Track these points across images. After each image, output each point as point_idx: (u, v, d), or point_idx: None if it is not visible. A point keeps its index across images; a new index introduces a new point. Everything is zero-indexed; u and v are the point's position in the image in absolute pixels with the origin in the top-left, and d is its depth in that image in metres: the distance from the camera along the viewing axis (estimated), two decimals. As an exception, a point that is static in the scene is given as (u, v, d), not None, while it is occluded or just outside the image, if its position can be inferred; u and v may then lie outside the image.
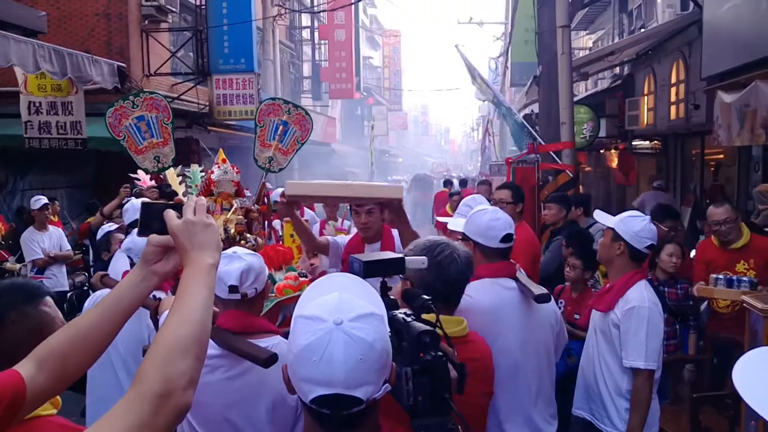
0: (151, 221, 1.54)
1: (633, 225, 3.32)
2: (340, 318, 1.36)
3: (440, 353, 1.49)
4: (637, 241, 3.29)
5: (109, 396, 3.40)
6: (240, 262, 2.48)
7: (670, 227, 5.63)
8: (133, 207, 5.02)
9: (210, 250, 1.45)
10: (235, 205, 4.60)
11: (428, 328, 1.49)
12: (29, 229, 7.84)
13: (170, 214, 1.49)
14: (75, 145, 9.67)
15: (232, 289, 2.46)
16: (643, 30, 13.32)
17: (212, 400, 2.35)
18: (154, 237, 1.53)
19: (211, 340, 2.40)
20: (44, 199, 7.89)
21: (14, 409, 1.41)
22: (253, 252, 2.64)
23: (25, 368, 1.45)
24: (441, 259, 2.23)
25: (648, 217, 3.42)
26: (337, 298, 1.41)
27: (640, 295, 3.24)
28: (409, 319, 1.55)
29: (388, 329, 1.49)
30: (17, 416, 1.43)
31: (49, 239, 7.77)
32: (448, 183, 18.61)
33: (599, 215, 3.69)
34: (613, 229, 3.38)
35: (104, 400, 3.44)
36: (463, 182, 18.82)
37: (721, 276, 4.68)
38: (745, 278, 4.59)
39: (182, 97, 13.08)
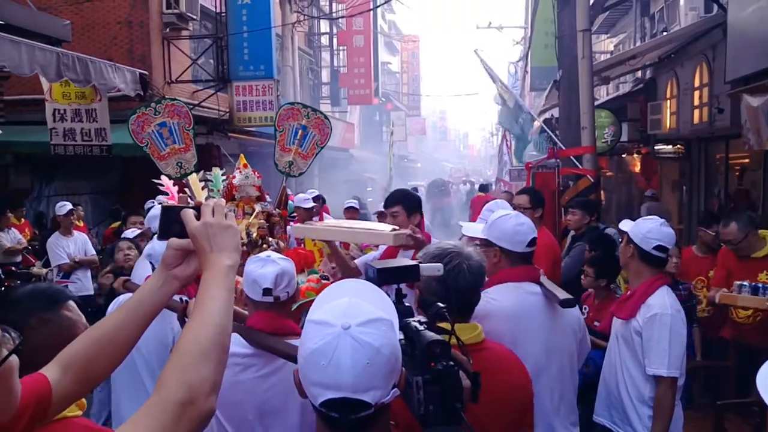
0: (170, 225, 1.54)
1: (642, 227, 3.33)
2: (348, 323, 1.37)
3: (451, 363, 1.49)
4: (644, 242, 3.28)
5: (133, 397, 3.43)
6: (275, 266, 2.54)
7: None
8: (157, 213, 5.06)
9: (228, 252, 1.44)
10: (256, 210, 4.63)
11: (439, 338, 1.49)
12: (55, 234, 7.95)
13: (189, 215, 1.48)
14: (100, 151, 9.80)
15: (266, 291, 2.51)
16: (665, 33, 13.22)
17: (244, 398, 2.40)
18: (174, 240, 1.52)
19: (242, 340, 2.44)
20: (69, 205, 7.99)
21: (40, 412, 1.42)
22: (286, 257, 2.68)
23: (50, 372, 1.47)
24: (449, 270, 2.17)
25: (661, 220, 3.40)
26: (347, 303, 1.43)
27: (663, 301, 3.21)
28: (421, 327, 1.55)
29: (399, 335, 1.50)
30: (44, 419, 1.44)
31: (75, 244, 7.88)
32: (484, 188, 18.47)
33: (624, 224, 3.73)
34: (626, 232, 3.42)
35: (128, 401, 3.48)
36: (483, 187, 18.75)
37: (746, 283, 4.65)
38: None
39: (203, 103, 13.20)
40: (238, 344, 2.45)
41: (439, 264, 1.89)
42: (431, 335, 1.51)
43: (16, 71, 6.39)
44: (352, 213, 8.82)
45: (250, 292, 2.58)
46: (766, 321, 4.85)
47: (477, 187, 19.12)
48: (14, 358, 1.11)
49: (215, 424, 2.46)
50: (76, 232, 8.07)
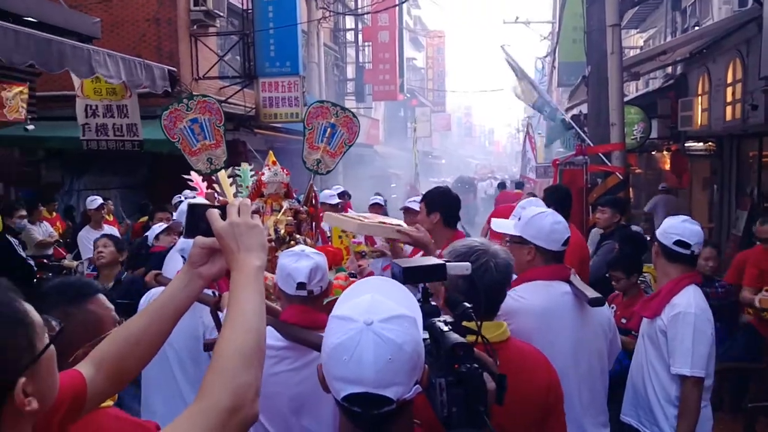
0: (197, 223, 1.53)
1: (665, 223, 3.32)
2: (370, 318, 1.38)
3: (476, 365, 1.48)
4: (665, 237, 3.25)
5: (163, 389, 3.47)
6: (309, 260, 2.57)
7: None
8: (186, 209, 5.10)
9: (256, 252, 1.44)
10: (284, 206, 4.64)
11: (462, 340, 1.48)
12: (86, 227, 8.07)
13: (214, 215, 1.47)
14: (132, 146, 9.93)
15: (300, 285, 2.55)
16: (697, 28, 13.02)
17: (278, 390, 2.43)
18: (200, 239, 1.53)
19: (276, 333, 2.46)
20: (100, 200, 8.10)
21: (76, 407, 1.45)
22: (319, 252, 2.71)
23: (84, 369, 1.49)
24: (476, 267, 2.11)
25: (685, 217, 3.37)
26: (369, 300, 1.43)
27: (687, 300, 3.18)
28: (446, 328, 1.55)
29: (424, 334, 1.51)
30: (79, 415, 1.47)
31: (105, 238, 7.96)
32: (520, 185, 18.36)
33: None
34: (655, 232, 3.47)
35: (158, 393, 3.52)
36: (502, 185, 18.67)
37: None
38: None
39: (229, 100, 13.29)
40: (272, 337, 2.48)
41: (467, 263, 1.86)
42: (455, 337, 1.50)
43: (47, 68, 6.48)
44: (376, 209, 8.83)
45: (284, 286, 2.61)
46: None
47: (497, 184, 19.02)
48: (52, 348, 1.13)
49: None
50: (106, 226, 8.17)
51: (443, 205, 4.02)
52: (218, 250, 1.50)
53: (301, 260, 2.57)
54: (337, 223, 4.01)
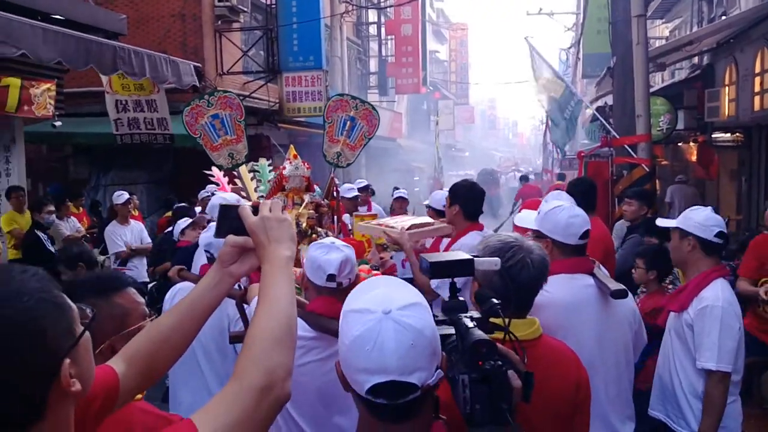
0: (228, 222, 1.58)
1: (696, 216, 3.24)
2: (388, 308, 1.40)
3: (500, 362, 1.48)
4: (704, 231, 3.19)
5: (190, 384, 3.51)
6: (339, 252, 2.61)
7: None
8: (217, 203, 5.17)
9: (286, 243, 1.51)
10: (306, 200, 4.66)
11: (485, 337, 1.48)
12: (112, 222, 8.15)
13: (247, 211, 1.54)
14: (164, 140, 10.09)
15: (330, 277, 2.59)
16: (724, 17, 12.81)
17: (306, 380, 2.46)
18: (231, 238, 1.57)
19: (304, 323, 2.49)
20: (126, 195, 8.18)
21: (109, 402, 1.48)
22: (348, 244, 2.73)
23: (117, 365, 1.53)
24: (512, 264, 2.12)
25: (710, 208, 3.33)
26: (383, 292, 1.46)
27: (715, 294, 3.14)
28: (471, 325, 1.55)
29: (450, 329, 1.54)
30: (111, 409, 1.50)
31: (131, 232, 8.06)
32: (525, 178, 18.28)
33: (661, 222, 3.73)
34: (678, 228, 3.32)
35: (185, 385, 3.57)
36: (524, 177, 18.56)
37: None
38: None
39: (253, 94, 13.35)
40: (300, 328, 2.50)
41: (497, 258, 1.84)
42: (478, 334, 1.50)
43: (71, 65, 6.56)
44: (402, 203, 8.82)
45: (313, 277, 2.64)
46: None
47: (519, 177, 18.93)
48: (87, 334, 1.16)
49: None
50: (132, 221, 8.26)
51: (464, 197, 4.21)
52: (248, 250, 1.56)
53: (332, 252, 2.60)
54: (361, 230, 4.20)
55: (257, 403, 1.25)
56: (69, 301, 1.14)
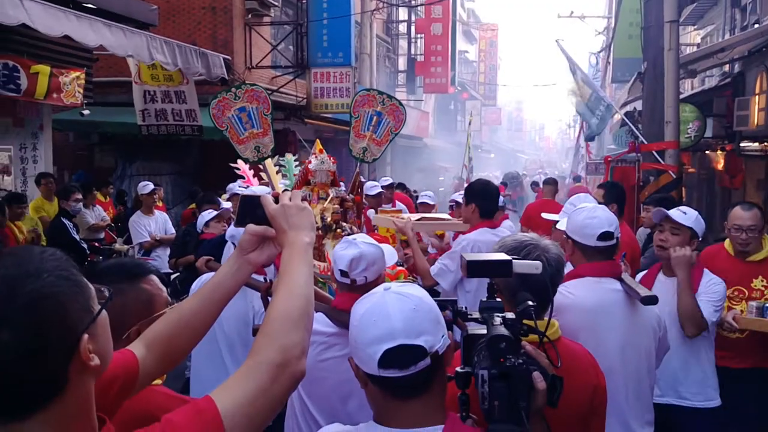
0: (248, 212, 1.63)
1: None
2: (388, 286, 1.56)
3: (521, 361, 1.50)
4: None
5: (212, 374, 3.54)
6: (354, 249, 2.59)
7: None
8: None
9: (306, 230, 1.56)
10: (331, 195, 4.69)
11: (506, 333, 1.51)
12: (137, 213, 8.24)
13: (268, 200, 1.60)
14: (192, 131, 10.15)
15: (342, 273, 2.59)
16: (757, 25, 12.62)
17: (326, 376, 2.47)
18: (251, 226, 1.61)
19: (327, 319, 2.51)
20: (151, 185, 8.26)
21: (129, 385, 1.51)
22: (376, 243, 2.71)
23: (137, 349, 1.56)
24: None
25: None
26: (382, 285, 1.60)
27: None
28: (497, 321, 1.57)
29: (482, 328, 1.59)
30: (131, 393, 1.53)
31: (155, 223, 8.14)
32: (535, 184, 18.17)
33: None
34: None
35: (207, 378, 3.59)
36: (535, 183, 18.43)
37: (754, 303, 3.85)
38: None
39: (281, 89, 13.41)
40: (322, 323, 2.52)
41: (538, 263, 1.82)
42: (499, 330, 1.52)
43: (114, 51, 6.66)
44: (426, 208, 8.62)
45: (335, 272, 2.65)
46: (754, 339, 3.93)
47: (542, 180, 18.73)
48: (105, 313, 1.20)
49: (297, 400, 2.58)
50: (157, 211, 8.33)
51: (481, 197, 4.42)
52: (268, 239, 1.61)
53: (348, 248, 2.60)
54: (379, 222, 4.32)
55: (273, 378, 1.30)
56: (86, 280, 1.18)
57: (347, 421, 2.53)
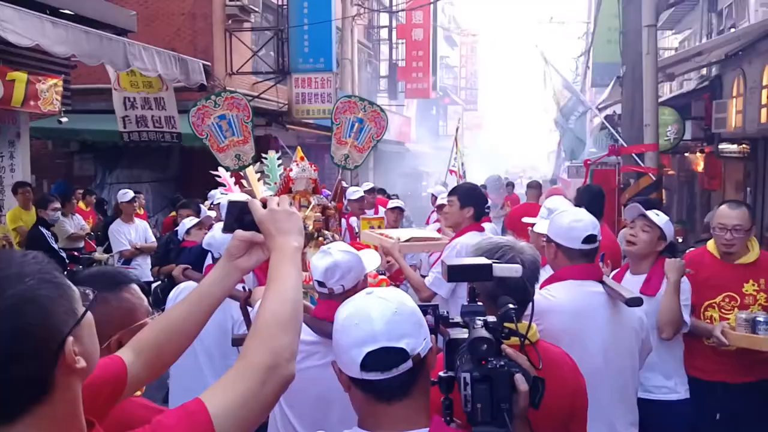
0: (236, 217, 1.63)
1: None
2: (371, 290, 1.57)
3: (503, 363, 1.51)
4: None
5: (191, 385, 3.49)
6: (327, 258, 2.59)
7: None
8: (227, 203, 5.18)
9: (294, 235, 1.56)
10: (312, 203, 4.65)
11: (487, 336, 1.52)
12: (117, 221, 8.16)
13: (256, 205, 1.60)
14: (171, 138, 10.08)
15: (319, 283, 2.60)
16: (733, 29, 12.79)
17: (306, 385, 2.44)
18: (239, 232, 1.62)
19: (307, 328, 2.49)
20: (131, 193, 8.19)
21: (117, 391, 1.51)
22: (352, 251, 2.69)
23: (125, 355, 1.57)
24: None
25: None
26: (364, 291, 1.60)
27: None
28: (478, 324, 1.59)
29: (465, 333, 1.59)
30: (118, 399, 1.54)
31: (136, 231, 8.06)
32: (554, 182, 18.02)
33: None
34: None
35: (187, 388, 3.55)
36: (510, 184, 18.42)
37: (743, 314, 3.50)
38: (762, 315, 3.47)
39: (262, 95, 13.37)
40: (303, 332, 2.49)
41: (518, 265, 1.85)
42: (480, 332, 1.53)
43: (84, 60, 6.58)
44: (396, 214, 8.32)
45: (314, 282, 2.65)
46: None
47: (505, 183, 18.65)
48: (90, 315, 1.20)
49: (278, 411, 2.57)
50: (137, 220, 8.26)
51: (477, 201, 4.50)
52: (255, 244, 1.61)
53: (322, 258, 2.59)
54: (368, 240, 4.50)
55: (262, 381, 1.31)
56: (69, 283, 1.17)
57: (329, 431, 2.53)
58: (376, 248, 4.99)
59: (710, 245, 3.85)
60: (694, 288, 3.57)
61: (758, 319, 3.42)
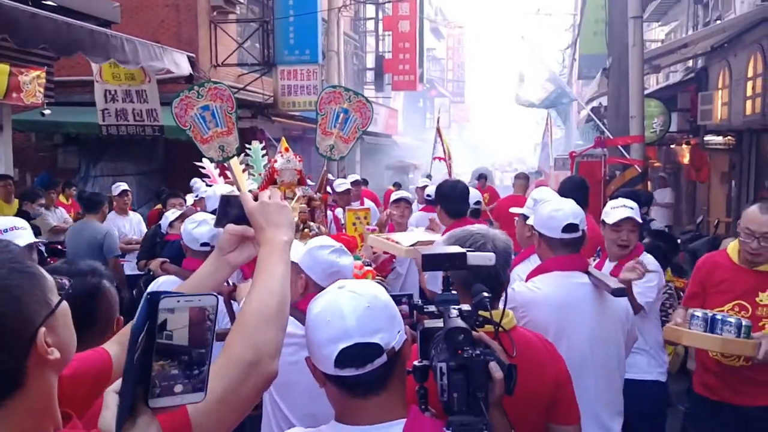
0: (227, 212, 1.63)
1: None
2: (342, 284, 1.54)
3: (478, 352, 1.51)
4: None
5: None
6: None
7: None
8: (215, 194, 5.16)
9: (285, 228, 1.55)
10: (298, 194, 4.63)
11: (462, 325, 1.52)
12: (111, 213, 8.04)
13: (247, 197, 1.59)
14: (152, 131, 9.98)
15: None
16: (719, 22, 12.84)
17: (298, 378, 2.42)
18: (230, 226, 1.61)
19: (297, 322, 2.47)
20: (124, 186, 8.08)
21: (101, 383, 1.48)
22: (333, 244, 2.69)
23: (111, 348, 1.58)
24: (473, 251, 2.09)
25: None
26: (339, 283, 1.57)
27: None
28: (453, 314, 1.58)
29: (439, 323, 1.59)
30: (103, 390, 1.51)
31: (129, 224, 7.97)
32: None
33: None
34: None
35: None
36: (482, 176, 18.33)
37: (698, 312, 3.15)
38: (731, 318, 3.07)
39: (248, 87, 13.27)
40: (293, 325, 2.48)
41: (491, 254, 1.84)
42: (455, 322, 1.53)
43: (58, 52, 6.50)
44: (402, 208, 8.31)
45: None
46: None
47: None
48: (65, 304, 1.18)
49: (271, 405, 2.56)
50: (131, 213, 8.16)
51: (446, 197, 4.61)
52: (247, 239, 1.60)
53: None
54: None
55: (244, 376, 1.29)
56: (43, 272, 1.15)
57: (322, 424, 2.51)
58: (361, 237, 4.99)
59: (731, 247, 3.44)
60: (698, 292, 3.42)
61: (718, 317, 3.08)
